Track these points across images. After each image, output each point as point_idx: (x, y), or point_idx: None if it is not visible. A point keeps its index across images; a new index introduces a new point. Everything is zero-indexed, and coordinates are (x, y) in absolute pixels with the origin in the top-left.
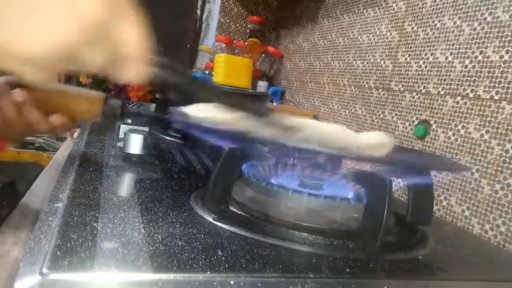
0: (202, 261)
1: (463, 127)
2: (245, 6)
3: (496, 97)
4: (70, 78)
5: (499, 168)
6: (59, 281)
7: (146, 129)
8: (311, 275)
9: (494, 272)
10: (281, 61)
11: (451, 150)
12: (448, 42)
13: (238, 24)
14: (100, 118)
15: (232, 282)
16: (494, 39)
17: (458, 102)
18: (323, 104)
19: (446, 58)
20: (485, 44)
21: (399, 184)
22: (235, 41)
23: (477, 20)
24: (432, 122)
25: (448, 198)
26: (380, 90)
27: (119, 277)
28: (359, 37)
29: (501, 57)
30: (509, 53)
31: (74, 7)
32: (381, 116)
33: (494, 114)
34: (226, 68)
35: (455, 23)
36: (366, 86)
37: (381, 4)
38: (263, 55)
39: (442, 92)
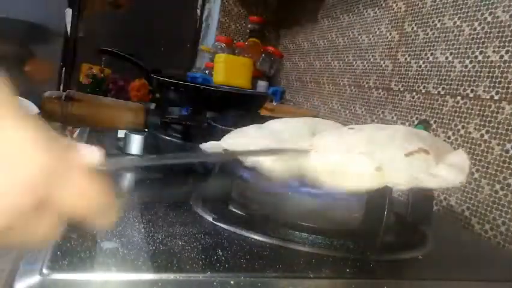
0: (202, 261)
1: (463, 127)
2: (245, 6)
3: (496, 97)
4: (70, 79)
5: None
6: (59, 281)
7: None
8: (311, 275)
9: (494, 272)
10: (281, 61)
11: None
12: (448, 42)
13: (238, 24)
14: (143, 127)
15: (232, 282)
16: (494, 39)
17: (458, 102)
18: (323, 104)
19: (446, 58)
20: (485, 44)
21: None
22: (235, 41)
23: (477, 20)
24: (432, 122)
25: (447, 198)
26: (380, 90)
27: (119, 277)
28: (359, 37)
29: (501, 57)
30: (509, 53)
31: None
32: (381, 116)
33: (494, 114)
34: (226, 68)
35: (455, 23)
36: (366, 86)
37: (381, 4)
38: (263, 55)
39: (442, 92)
